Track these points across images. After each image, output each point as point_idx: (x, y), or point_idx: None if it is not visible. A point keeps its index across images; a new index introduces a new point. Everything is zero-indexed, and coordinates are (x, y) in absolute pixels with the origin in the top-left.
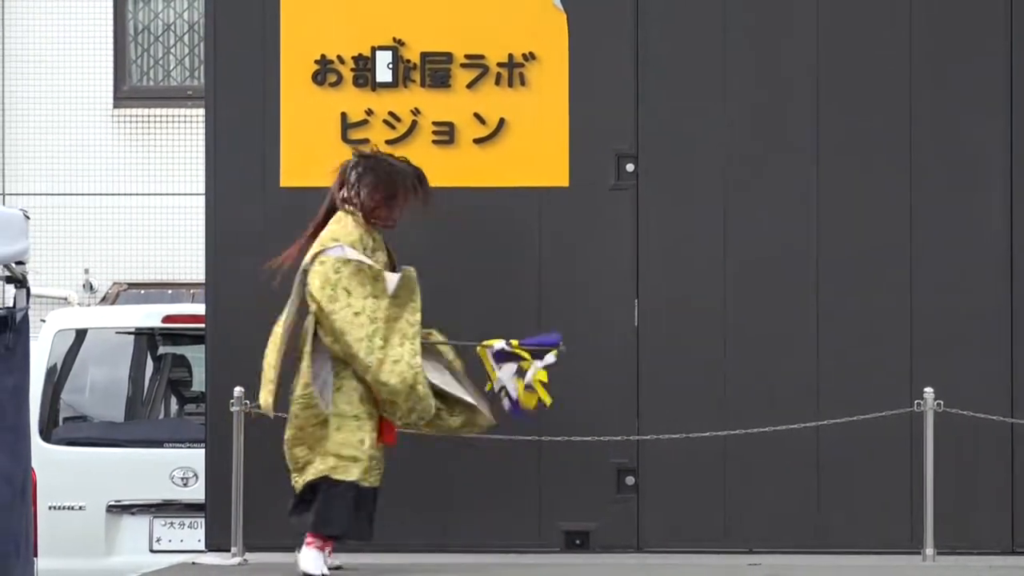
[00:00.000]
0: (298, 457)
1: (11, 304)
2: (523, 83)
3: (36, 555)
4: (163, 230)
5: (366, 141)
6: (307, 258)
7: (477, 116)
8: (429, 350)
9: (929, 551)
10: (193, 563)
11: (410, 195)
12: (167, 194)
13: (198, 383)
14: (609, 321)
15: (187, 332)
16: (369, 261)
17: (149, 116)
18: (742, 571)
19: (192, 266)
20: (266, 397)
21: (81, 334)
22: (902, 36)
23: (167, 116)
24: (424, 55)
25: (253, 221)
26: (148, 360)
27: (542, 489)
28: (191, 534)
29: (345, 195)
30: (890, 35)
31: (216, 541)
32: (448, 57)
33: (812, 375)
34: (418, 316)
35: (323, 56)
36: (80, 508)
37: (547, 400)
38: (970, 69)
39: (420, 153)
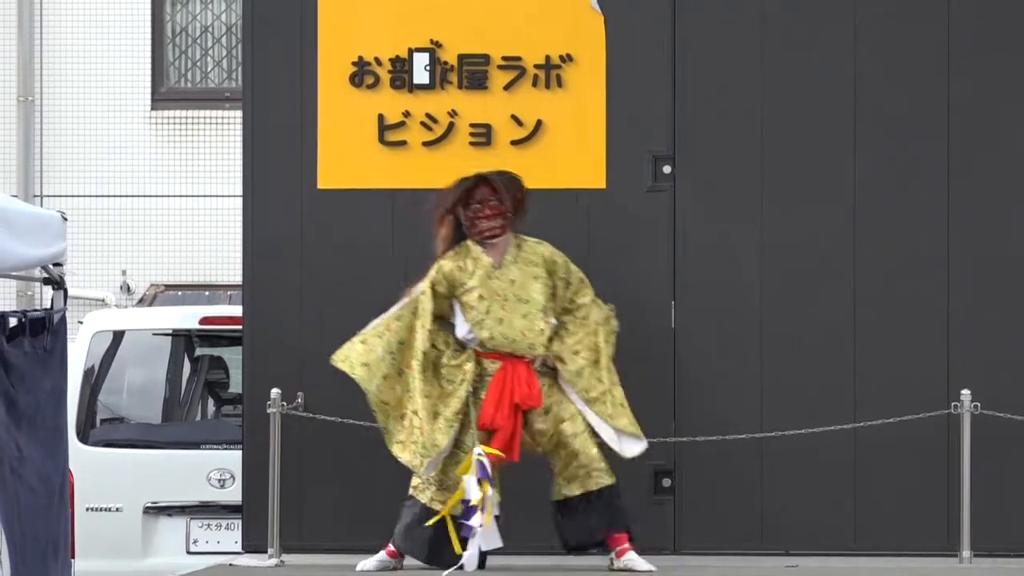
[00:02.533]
0: None
1: (49, 306)
2: (560, 85)
3: (74, 556)
4: (200, 232)
5: (403, 143)
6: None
7: (514, 118)
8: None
9: (966, 553)
10: (230, 564)
11: (460, 201)
12: (204, 196)
13: (235, 385)
14: (646, 323)
15: (224, 334)
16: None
17: (186, 118)
18: (779, 573)
19: (229, 268)
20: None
21: (118, 336)
22: (940, 33)
23: (204, 118)
24: (461, 57)
25: (290, 223)
26: (185, 362)
27: None
28: (228, 536)
29: None
30: (928, 32)
31: (253, 542)
32: (485, 59)
33: (849, 377)
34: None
35: (360, 58)
36: (117, 509)
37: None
38: (1012, 69)
39: (457, 155)
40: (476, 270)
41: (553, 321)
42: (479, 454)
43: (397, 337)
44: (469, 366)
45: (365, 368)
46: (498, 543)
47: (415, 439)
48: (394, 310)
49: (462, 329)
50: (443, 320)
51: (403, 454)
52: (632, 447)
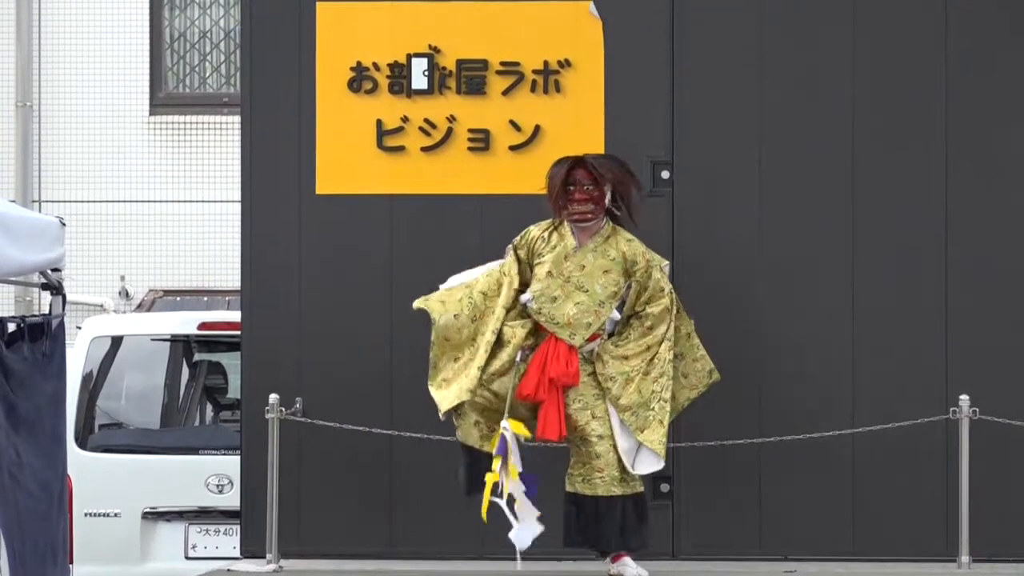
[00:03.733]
0: None
1: (47, 311)
2: (558, 90)
3: (72, 561)
4: (199, 237)
5: (402, 148)
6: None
7: (512, 123)
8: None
9: (964, 559)
10: (228, 570)
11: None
12: (203, 201)
13: (233, 390)
14: None
15: (222, 339)
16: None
17: (185, 123)
18: None
19: (228, 273)
20: None
21: (117, 341)
22: (938, 27)
23: (203, 123)
24: (460, 62)
25: (289, 228)
26: (183, 367)
27: None
28: (226, 541)
29: None
30: (926, 27)
31: (251, 548)
32: (484, 64)
33: (848, 382)
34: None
35: (359, 63)
36: (116, 515)
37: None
38: (1012, 68)
39: (455, 160)
40: (557, 246)
41: (616, 316)
42: (504, 427)
43: (481, 287)
44: (520, 331)
45: (440, 304)
46: (531, 531)
47: (459, 383)
48: (485, 267)
49: (526, 295)
50: (526, 286)
51: (437, 391)
52: (645, 465)
